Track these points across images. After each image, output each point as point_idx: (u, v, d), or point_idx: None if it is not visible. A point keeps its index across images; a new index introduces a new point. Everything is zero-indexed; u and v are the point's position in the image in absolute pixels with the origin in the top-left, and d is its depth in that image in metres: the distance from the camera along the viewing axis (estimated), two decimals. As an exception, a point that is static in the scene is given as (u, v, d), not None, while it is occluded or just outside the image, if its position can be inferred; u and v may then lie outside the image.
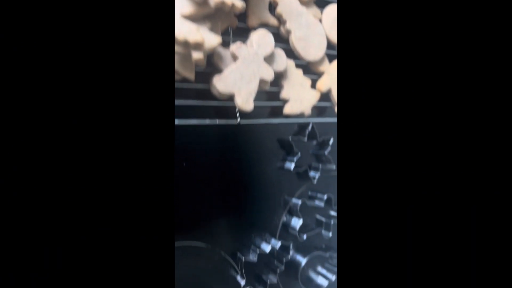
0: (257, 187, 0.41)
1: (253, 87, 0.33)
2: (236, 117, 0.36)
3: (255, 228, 0.41)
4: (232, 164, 0.40)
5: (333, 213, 0.47)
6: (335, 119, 0.45)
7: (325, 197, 0.43)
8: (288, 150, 0.43)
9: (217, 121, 0.35)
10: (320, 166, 0.43)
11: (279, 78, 0.39)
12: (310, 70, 0.42)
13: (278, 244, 0.39)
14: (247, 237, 0.40)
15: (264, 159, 0.42)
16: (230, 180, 0.39)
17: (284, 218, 0.43)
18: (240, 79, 0.33)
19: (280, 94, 0.39)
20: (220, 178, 0.39)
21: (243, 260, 0.38)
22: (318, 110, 0.45)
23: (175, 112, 0.29)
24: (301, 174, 0.44)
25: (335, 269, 0.46)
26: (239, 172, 0.40)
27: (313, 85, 0.41)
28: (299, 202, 0.41)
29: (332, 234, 0.44)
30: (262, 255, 0.41)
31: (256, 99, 0.38)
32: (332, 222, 0.44)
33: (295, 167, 0.41)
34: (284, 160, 0.43)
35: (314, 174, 0.43)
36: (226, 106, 0.36)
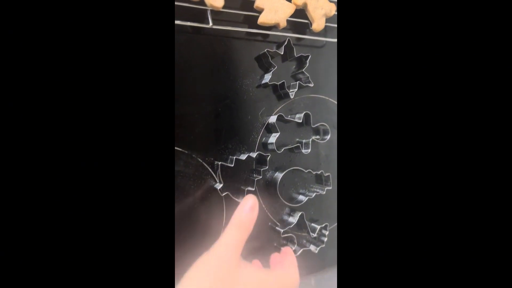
0: (236, 102, 0.42)
1: (223, -16, 0.33)
2: (208, 21, 0.36)
3: (233, 141, 0.42)
4: (212, 78, 0.40)
5: (313, 136, 0.48)
6: (312, 37, 0.45)
7: (303, 115, 0.44)
8: (266, 66, 0.43)
9: (188, 23, 0.35)
10: (298, 83, 0.44)
11: (253, -12, 0.39)
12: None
13: (255, 154, 0.40)
14: (224, 148, 0.41)
15: (242, 76, 0.42)
16: (211, 92, 0.40)
17: (263, 139, 0.44)
18: (209, -25, 0.33)
19: (255, 4, 0.39)
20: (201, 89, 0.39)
21: (219, 164, 0.39)
22: (296, 29, 0.45)
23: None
24: (279, 93, 0.44)
25: (314, 188, 0.48)
26: (218, 85, 0.40)
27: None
28: (275, 118, 0.42)
29: (311, 151, 0.44)
30: (240, 168, 0.42)
31: (230, 7, 0.38)
32: (310, 142, 0.45)
33: (272, 81, 0.41)
34: (262, 78, 0.43)
35: (292, 91, 0.43)
36: (198, 9, 0.36)
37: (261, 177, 0.41)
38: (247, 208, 0.29)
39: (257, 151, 0.43)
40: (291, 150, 0.45)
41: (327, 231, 0.47)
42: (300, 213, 0.44)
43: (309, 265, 0.48)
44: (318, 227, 0.46)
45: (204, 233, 0.39)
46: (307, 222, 0.45)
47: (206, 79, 0.40)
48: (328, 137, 0.47)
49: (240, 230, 0.28)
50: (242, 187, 0.41)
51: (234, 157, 0.39)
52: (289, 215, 0.46)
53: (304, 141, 0.46)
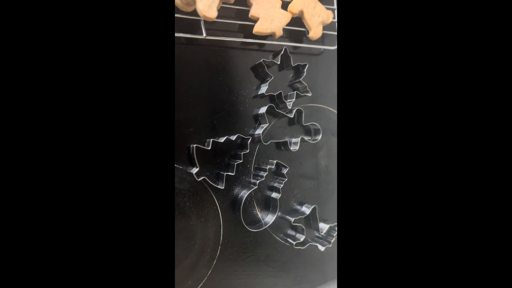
0: (232, 114, 0.40)
1: (216, -6, 0.32)
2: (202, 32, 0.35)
3: (229, 154, 0.40)
4: (206, 90, 0.39)
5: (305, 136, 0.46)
6: (309, 45, 0.44)
7: (295, 111, 0.42)
8: (262, 76, 0.42)
9: (181, 35, 0.34)
10: (295, 93, 0.42)
11: (247, -3, 0.38)
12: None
13: (234, 137, 0.38)
14: (221, 162, 0.40)
15: (238, 86, 0.41)
16: (205, 104, 0.39)
17: (251, 130, 0.42)
18: (201, -15, 0.32)
19: (249, 13, 0.38)
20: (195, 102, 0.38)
21: (195, 147, 0.37)
22: (292, 37, 0.44)
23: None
24: (276, 102, 0.43)
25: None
26: (213, 97, 0.39)
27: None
28: (265, 109, 0.40)
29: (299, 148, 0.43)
30: (219, 152, 0.40)
31: (225, 16, 0.37)
32: (298, 140, 0.43)
33: (269, 92, 0.40)
34: (258, 88, 0.42)
35: (289, 101, 0.42)
36: (191, 19, 0.35)
37: (241, 161, 0.39)
38: None
39: (254, 168, 0.42)
40: (278, 145, 0.44)
41: (336, 231, 0.46)
42: (313, 206, 0.44)
43: (310, 278, 0.47)
44: (328, 226, 0.45)
45: (201, 251, 0.38)
46: (317, 216, 0.44)
47: (200, 91, 0.38)
48: (319, 137, 0.45)
49: None
50: (222, 172, 0.39)
51: (211, 140, 0.37)
52: (302, 205, 0.46)
53: (293, 139, 0.44)
